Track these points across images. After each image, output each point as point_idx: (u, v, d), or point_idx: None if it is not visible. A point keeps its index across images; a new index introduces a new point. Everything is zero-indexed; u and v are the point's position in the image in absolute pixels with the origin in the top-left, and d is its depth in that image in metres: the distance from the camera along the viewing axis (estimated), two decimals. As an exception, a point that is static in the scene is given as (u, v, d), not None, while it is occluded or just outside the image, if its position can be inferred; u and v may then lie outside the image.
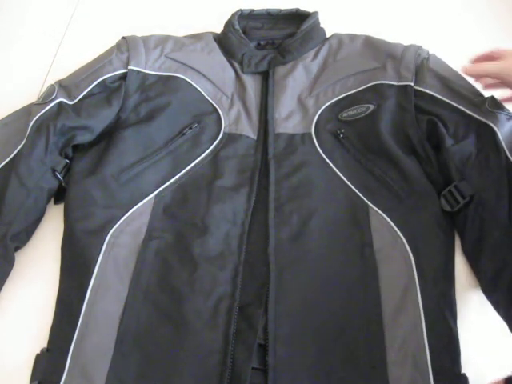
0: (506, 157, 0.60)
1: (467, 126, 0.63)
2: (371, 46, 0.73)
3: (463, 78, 0.68)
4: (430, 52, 0.71)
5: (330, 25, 0.78)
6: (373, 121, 0.67)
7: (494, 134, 0.61)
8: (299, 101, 0.71)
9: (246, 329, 0.54)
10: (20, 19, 0.97)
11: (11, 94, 0.80)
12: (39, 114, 0.65)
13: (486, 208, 0.59)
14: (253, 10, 0.79)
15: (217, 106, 0.71)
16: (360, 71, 0.71)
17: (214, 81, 0.73)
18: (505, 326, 0.56)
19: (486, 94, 0.66)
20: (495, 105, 0.63)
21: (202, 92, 0.72)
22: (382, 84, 0.69)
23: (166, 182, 0.65)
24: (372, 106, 0.68)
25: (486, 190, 0.59)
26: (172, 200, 0.63)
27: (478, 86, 0.68)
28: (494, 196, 0.59)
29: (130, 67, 0.70)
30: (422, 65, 0.69)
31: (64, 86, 0.69)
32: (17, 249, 0.62)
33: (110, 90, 0.69)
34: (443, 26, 0.93)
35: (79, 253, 0.59)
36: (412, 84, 0.67)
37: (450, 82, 0.66)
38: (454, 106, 0.65)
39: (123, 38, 0.75)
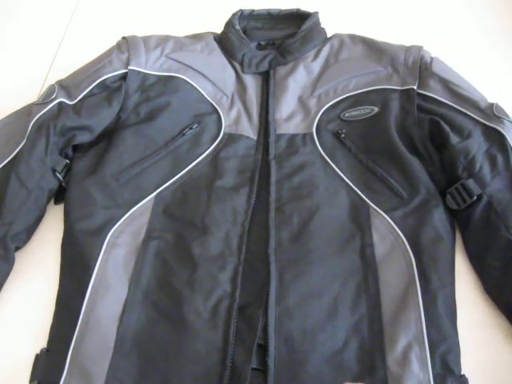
0: None
1: (473, 127, 0.64)
2: (373, 47, 0.73)
3: (467, 83, 0.69)
4: (432, 54, 0.71)
5: (330, 25, 0.78)
6: (378, 122, 0.68)
7: (502, 136, 0.62)
8: (300, 101, 0.71)
9: (246, 329, 0.54)
10: (20, 19, 0.97)
11: (11, 94, 0.80)
12: (39, 114, 0.65)
13: (493, 209, 0.59)
14: (253, 10, 0.79)
15: (217, 107, 0.71)
16: (362, 73, 0.71)
17: (214, 81, 0.73)
18: (505, 326, 0.56)
19: (490, 99, 0.67)
20: (502, 110, 0.64)
21: (202, 92, 0.72)
22: (385, 89, 0.69)
23: (166, 182, 0.64)
24: (376, 109, 0.68)
25: (494, 191, 0.59)
26: (172, 200, 0.63)
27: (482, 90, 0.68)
28: (504, 197, 0.59)
29: (130, 67, 0.70)
30: (426, 68, 0.69)
31: (64, 86, 0.69)
32: (17, 249, 0.62)
33: (110, 90, 0.69)
34: (443, 26, 0.94)
35: (79, 253, 0.59)
36: (415, 87, 0.68)
37: (454, 86, 0.67)
38: (458, 108, 0.65)
39: (123, 37, 0.75)
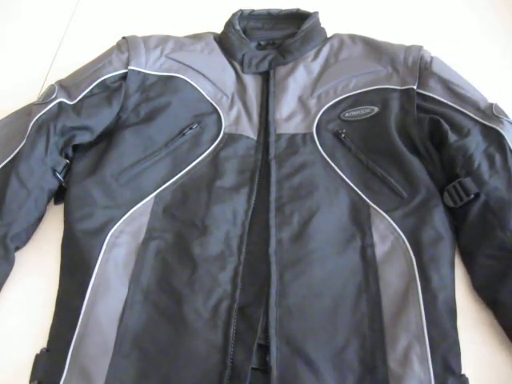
0: None
1: (472, 127, 0.64)
2: (373, 47, 0.73)
3: (467, 83, 0.69)
4: (433, 54, 0.71)
5: (330, 25, 0.78)
6: (378, 122, 0.68)
7: (500, 136, 0.62)
8: (300, 101, 0.71)
9: (246, 329, 0.54)
10: (20, 19, 0.97)
11: (11, 94, 0.80)
12: (39, 114, 0.65)
13: (490, 208, 0.59)
14: (253, 10, 0.79)
15: (217, 107, 0.71)
16: (362, 73, 0.71)
17: (214, 81, 0.73)
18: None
19: (491, 99, 0.67)
20: (501, 111, 0.64)
21: (202, 92, 0.72)
22: (385, 88, 0.69)
23: (166, 183, 0.64)
24: (376, 109, 0.68)
25: (492, 189, 0.60)
26: (172, 200, 0.63)
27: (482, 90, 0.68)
28: (501, 197, 0.59)
29: (130, 67, 0.70)
30: (425, 68, 0.69)
31: (64, 86, 0.69)
32: (17, 249, 0.62)
33: (110, 90, 0.69)
34: (443, 26, 0.94)
35: (79, 253, 0.59)
36: (415, 87, 0.68)
37: (454, 86, 0.67)
38: (457, 108, 0.65)
39: (123, 37, 0.75)
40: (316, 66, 0.73)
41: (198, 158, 0.67)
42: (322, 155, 0.66)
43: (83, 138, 0.66)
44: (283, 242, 0.59)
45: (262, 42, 0.78)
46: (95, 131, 0.67)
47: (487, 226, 0.59)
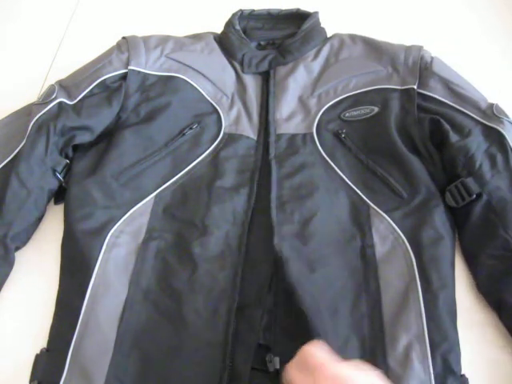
0: None
1: (473, 127, 0.64)
2: (373, 47, 0.73)
3: (467, 83, 0.69)
4: (433, 54, 0.71)
5: (330, 25, 0.78)
6: (378, 122, 0.68)
7: (501, 136, 0.62)
8: (300, 101, 0.71)
9: (246, 329, 0.54)
10: (20, 19, 0.97)
11: (11, 94, 0.80)
12: (39, 114, 0.65)
13: (492, 208, 0.59)
14: (253, 10, 0.79)
15: (217, 107, 0.71)
16: (362, 73, 0.71)
17: (214, 81, 0.73)
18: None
19: (491, 99, 0.67)
20: (502, 111, 0.64)
21: (202, 92, 0.72)
22: (385, 88, 0.69)
23: (166, 183, 0.64)
24: (376, 109, 0.68)
25: (494, 189, 0.60)
26: (172, 200, 0.63)
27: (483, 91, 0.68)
28: (503, 197, 0.59)
29: (130, 67, 0.70)
30: (426, 68, 0.69)
31: (64, 86, 0.69)
32: (17, 249, 0.62)
33: (110, 90, 0.69)
34: (443, 26, 0.93)
35: (79, 253, 0.59)
36: (415, 87, 0.68)
37: (454, 86, 0.67)
38: (458, 108, 0.65)
39: (123, 37, 0.75)
40: (316, 66, 0.73)
41: (198, 157, 0.67)
42: (322, 155, 0.66)
43: (83, 137, 0.66)
44: (285, 240, 0.59)
45: (262, 42, 0.78)
46: (95, 131, 0.67)
47: (490, 226, 0.59)
